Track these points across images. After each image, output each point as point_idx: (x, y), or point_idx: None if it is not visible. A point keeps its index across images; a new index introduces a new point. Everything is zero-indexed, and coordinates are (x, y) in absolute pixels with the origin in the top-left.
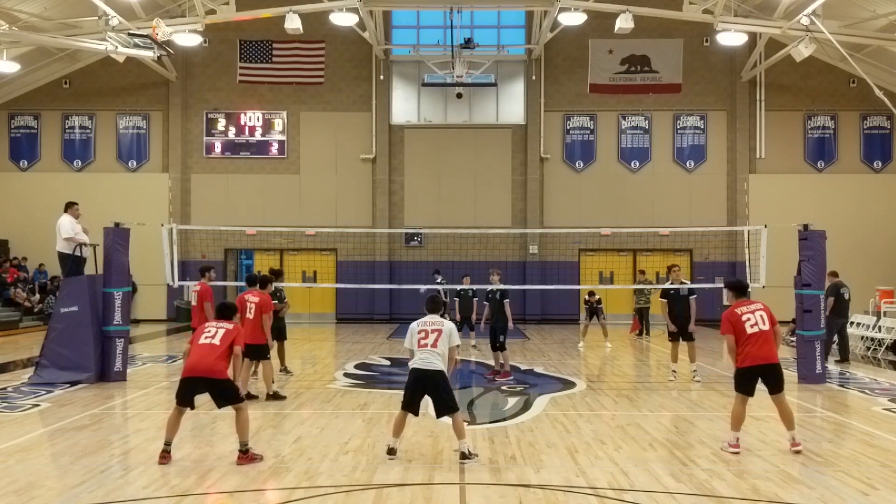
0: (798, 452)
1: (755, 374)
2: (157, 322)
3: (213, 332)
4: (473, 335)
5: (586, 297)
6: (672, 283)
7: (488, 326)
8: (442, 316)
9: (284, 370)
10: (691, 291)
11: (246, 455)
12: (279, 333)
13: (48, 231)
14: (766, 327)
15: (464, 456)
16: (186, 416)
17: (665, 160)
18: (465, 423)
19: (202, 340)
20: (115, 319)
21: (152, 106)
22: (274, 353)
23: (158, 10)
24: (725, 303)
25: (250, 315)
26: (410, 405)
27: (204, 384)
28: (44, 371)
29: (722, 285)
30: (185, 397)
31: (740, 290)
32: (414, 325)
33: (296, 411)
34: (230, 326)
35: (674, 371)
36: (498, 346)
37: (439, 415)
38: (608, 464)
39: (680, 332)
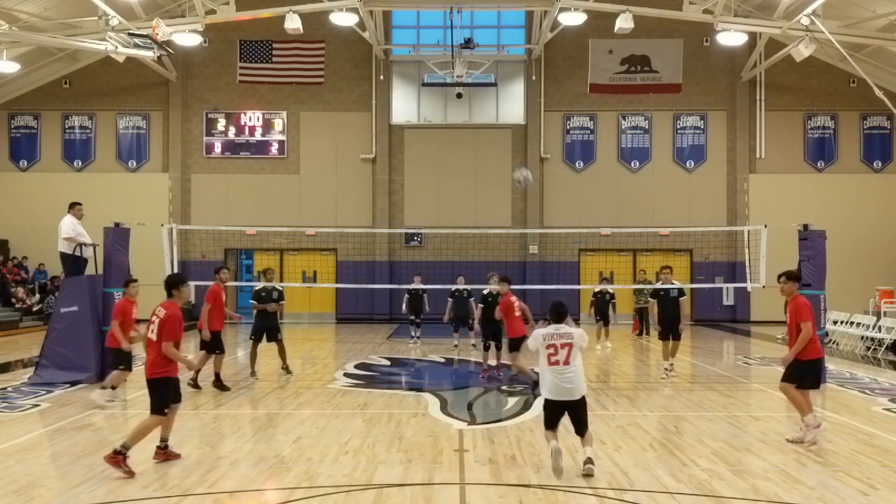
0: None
1: (820, 365)
2: None
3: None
4: (472, 335)
5: (596, 291)
6: (663, 284)
7: (480, 327)
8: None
9: (285, 369)
10: (680, 293)
11: (164, 452)
12: (273, 332)
13: (48, 231)
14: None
15: (589, 461)
16: (187, 416)
17: (665, 160)
18: (465, 424)
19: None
20: None
21: (152, 106)
22: (275, 352)
23: (158, 10)
24: (784, 296)
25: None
26: (553, 425)
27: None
28: (44, 371)
29: (722, 285)
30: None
31: (800, 281)
32: (539, 334)
33: (296, 411)
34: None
35: (666, 369)
36: (499, 347)
37: (580, 433)
38: (608, 464)
39: (668, 331)
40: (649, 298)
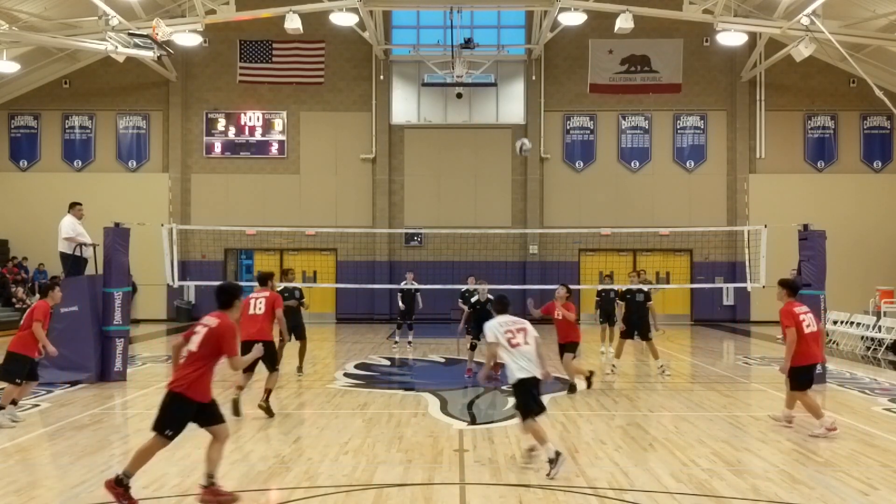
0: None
1: (813, 370)
2: (157, 322)
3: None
4: (459, 334)
5: (601, 290)
6: (630, 286)
7: (464, 329)
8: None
9: (300, 369)
10: (647, 297)
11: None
12: (301, 331)
13: (48, 231)
14: (815, 329)
15: (551, 461)
16: None
17: (665, 160)
18: (465, 424)
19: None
20: (115, 319)
21: (152, 106)
22: (296, 351)
23: (158, 10)
24: (777, 300)
25: (259, 311)
26: (539, 407)
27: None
28: (44, 371)
29: (722, 285)
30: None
31: (794, 289)
32: (495, 324)
33: (296, 411)
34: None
35: (613, 366)
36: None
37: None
38: (608, 464)
39: (630, 332)
40: (618, 301)
